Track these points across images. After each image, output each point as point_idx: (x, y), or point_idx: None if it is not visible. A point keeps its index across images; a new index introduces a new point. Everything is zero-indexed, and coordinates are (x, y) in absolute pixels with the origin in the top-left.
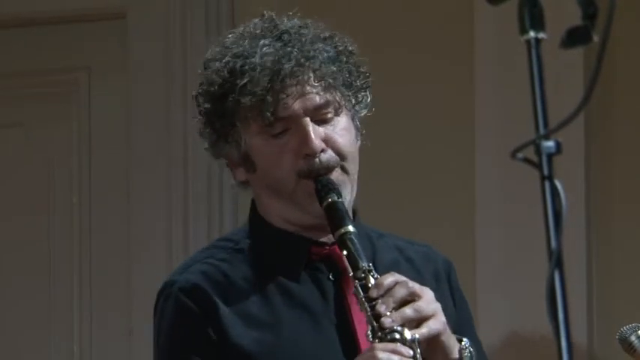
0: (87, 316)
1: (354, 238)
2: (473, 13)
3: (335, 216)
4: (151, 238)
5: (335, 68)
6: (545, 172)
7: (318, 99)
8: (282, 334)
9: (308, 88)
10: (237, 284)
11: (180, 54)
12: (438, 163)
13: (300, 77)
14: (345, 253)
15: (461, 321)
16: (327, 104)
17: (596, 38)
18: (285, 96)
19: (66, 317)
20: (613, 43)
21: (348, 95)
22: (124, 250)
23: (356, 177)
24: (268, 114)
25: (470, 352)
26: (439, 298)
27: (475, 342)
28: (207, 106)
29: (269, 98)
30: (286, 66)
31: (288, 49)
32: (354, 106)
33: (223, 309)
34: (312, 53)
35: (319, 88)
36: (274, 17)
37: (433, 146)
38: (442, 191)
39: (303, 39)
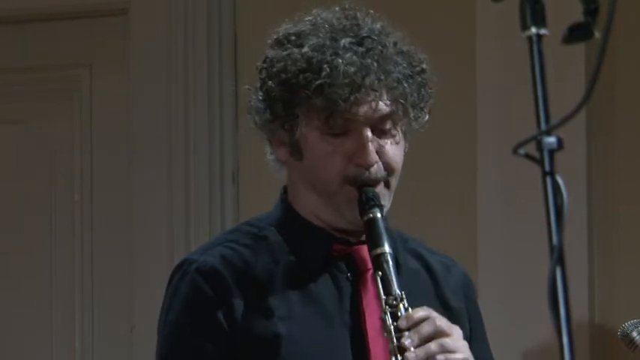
0: (88, 313)
1: (390, 260)
2: (475, 10)
3: (375, 233)
4: (152, 235)
5: (407, 89)
6: (547, 168)
7: (383, 113)
8: (293, 329)
9: (378, 101)
10: (255, 273)
11: (182, 50)
12: (440, 160)
13: (376, 92)
14: (379, 274)
15: (474, 335)
16: (390, 116)
17: (597, 34)
18: (356, 106)
19: (67, 314)
20: (614, 39)
21: (410, 113)
22: (126, 248)
23: (394, 191)
24: (336, 118)
25: None
26: (455, 307)
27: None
28: (272, 86)
29: (341, 105)
30: (366, 80)
31: (369, 60)
32: (411, 122)
33: (237, 296)
34: (390, 68)
35: (389, 101)
36: (357, 14)
37: (435, 143)
38: (444, 188)
39: (383, 50)
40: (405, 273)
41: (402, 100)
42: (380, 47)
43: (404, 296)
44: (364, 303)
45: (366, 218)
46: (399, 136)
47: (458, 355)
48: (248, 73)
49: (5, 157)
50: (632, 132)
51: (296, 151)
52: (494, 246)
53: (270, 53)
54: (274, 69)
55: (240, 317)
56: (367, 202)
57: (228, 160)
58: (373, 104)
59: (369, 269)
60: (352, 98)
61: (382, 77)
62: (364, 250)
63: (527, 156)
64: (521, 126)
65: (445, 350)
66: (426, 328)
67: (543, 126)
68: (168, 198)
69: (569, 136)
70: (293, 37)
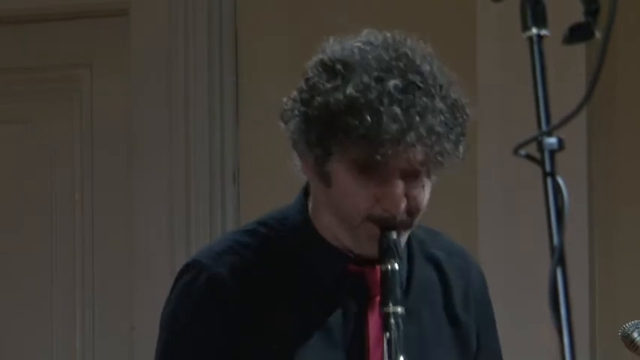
0: (89, 312)
1: (400, 321)
2: (476, 10)
3: (388, 287)
4: (153, 234)
5: (447, 145)
6: (548, 168)
7: (419, 161)
8: (295, 350)
9: (416, 155)
10: (265, 288)
11: (182, 50)
12: None
13: (414, 148)
14: (387, 336)
15: (482, 346)
16: (423, 168)
17: (598, 34)
18: (392, 159)
19: (68, 314)
20: (615, 39)
21: (446, 164)
22: (126, 247)
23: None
24: (371, 166)
25: None
26: (464, 323)
27: None
28: (311, 117)
29: (378, 158)
30: (407, 138)
31: (412, 113)
32: (441, 168)
33: (244, 314)
34: (432, 123)
35: (424, 156)
36: (407, 50)
37: None
38: (444, 189)
39: (428, 103)
40: (417, 285)
41: (438, 157)
42: (425, 99)
43: None
44: (369, 325)
45: (383, 268)
46: (429, 181)
47: None
48: (249, 73)
49: (6, 157)
50: (633, 132)
51: (324, 178)
52: (494, 247)
53: (314, 74)
54: (316, 101)
55: (245, 333)
56: (387, 250)
57: (228, 159)
58: (409, 158)
59: (378, 295)
60: (390, 152)
61: (424, 134)
62: (377, 273)
63: (528, 156)
64: (521, 126)
65: None
66: None
67: (544, 126)
68: (169, 198)
69: (569, 137)
70: (339, 66)
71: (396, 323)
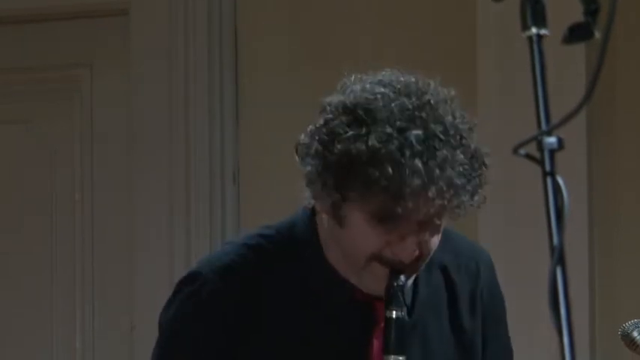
0: (89, 312)
1: None
2: (476, 11)
3: (392, 335)
4: (153, 234)
5: (464, 197)
6: (548, 168)
7: (436, 219)
8: None
9: (434, 208)
10: (269, 308)
11: (182, 50)
12: None
13: (434, 201)
14: None
15: (488, 346)
16: (440, 216)
17: (597, 34)
18: (410, 212)
19: (68, 313)
20: (615, 39)
21: (462, 214)
22: (126, 247)
23: None
24: (388, 220)
25: None
26: (469, 329)
27: None
28: (330, 161)
29: (399, 211)
30: (430, 194)
31: (432, 165)
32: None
33: (246, 332)
34: (451, 175)
35: (441, 207)
36: (430, 99)
37: None
38: None
39: (448, 155)
40: (423, 299)
41: (456, 210)
42: (445, 151)
43: None
44: (374, 354)
45: (388, 315)
46: (441, 228)
47: None
48: (249, 73)
49: (6, 157)
50: (633, 132)
51: (338, 221)
52: (494, 246)
53: (334, 116)
54: (336, 147)
55: (243, 350)
56: (393, 296)
57: (228, 159)
58: (429, 210)
59: (382, 322)
60: (410, 205)
61: (444, 188)
62: (382, 305)
63: (528, 156)
64: (521, 126)
65: None
66: None
67: (544, 126)
68: (169, 198)
69: (569, 136)
70: (361, 112)
71: None
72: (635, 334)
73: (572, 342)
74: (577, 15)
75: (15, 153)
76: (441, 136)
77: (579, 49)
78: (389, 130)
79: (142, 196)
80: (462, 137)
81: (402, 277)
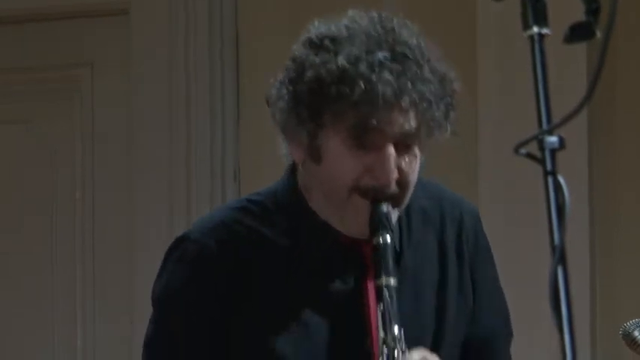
0: (90, 311)
1: (393, 294)
2: (476, 10)
3: (381, 260)
4: (153, 233)
5: (437, 112)
6: (549, 167)
7: (410, 132)
8: (289, 321)
9: (408, 122)
10: (256, 263)
11: (182, 50)
12: (441, 160)
13: (406, 113)
14: (381, 307)
15: (477, 293)
16: (415, 138)
17: (599, 34)
18: (385, 124)
19: (69, 312)
20: (616, 38)
21: (434, 135)
22: (127, 246)
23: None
24: (365, 132)
25: None
26: (459, 278)
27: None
28: (302, 91)
29: (373, 122)
30: (402, 103)
31: (403, 79)
32: (431, 140)
33: (234, 288)
34: (423, 89)
35: (416, 124)
36: (394, 26)
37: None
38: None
39: (418, 71)
40: (413, 247)
41: (430, 124)
42: (415, 67)
43: (402, 336)
44: (369, 298)
45: (375, 241)
46: (419, 153)
47: None
48: (249, 72)
49: (6, 157)
50: (633, 131)
51: (314, 154)
52: (495, 246)
53: (301, 52)
54: (306, 74)
55: (236, 309)
56: (379, 222)
57: (229, 158)
58: (403, 124)
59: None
60: (384, 117)
61: (415, 98)
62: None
63: (529, 155)
64: (522, 125)
65: None
66: None
67: (545, 125)
68: (170, 197)
69: (570, 136)
70: (327, 42)
71: (390, 295)
72: (636, 333)
73: (573, 341)
74: (578, 14)
75: (15, 153)
76: (409, 56)
77: (580, 49)
78: (357, 52)
79: (142, 196)
80: (429, 60)
81: (385, 206)
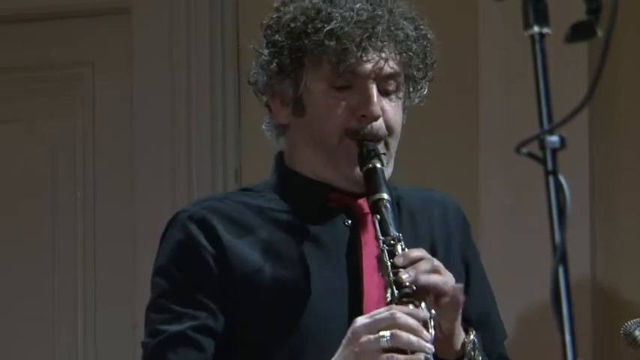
0: (91, 310)
1: (388, 205)
2: (478, 9)
3: (374, 180)
4: (154, 233)
5: (414, 47)
6: (550, 166)
7: (390, 69)
8: (288, 266)
9: (387, 55)
10: (248, 221)
11: (184, 49)
12: (442, 160)
13: (385, 42)
14: (377, 217)
15: (472, 279)
16: (395, 77)
17: (600, 33)
18: (365, 54)
19: (70, 311)
20: (617, 37)
21: (413, 79)
22: (128, 245)
23: (393, 156)
24: (345, 64)
25: (473, 347)
26: (450, 262)
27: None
28: (280, 39)
29: (353, 49)
30: (377, 29)
31: (380, 12)
32: (410, 92)
33: (228, 242)
34: (399, 25)
35: (396, 59)
36: None
37: (436, 142)
38: (445, 188)
39: (392, 9)
40: (404, 216)
41: (409, 54)
42: (389, 6)
43: (401, 238)
44: (362, 245)
45: (365, 168)
46: (400, 101)
47: (446, 298)
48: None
49: (7, 156)
50: (634, 131)
51: (299, 106)
52: (496, 246)
53: (278, 10)
54: (282, 21)
55: (233, 259)
56: (367, 153)
57: (230, 157)
58: (382, 55)
59: (367, 213)
60: (363, 45)
61: (392, 28)
62: (362, 200)
63: (530, 155)
64: (523, 125)
65: (438, 286)
66: (423, 266)
67: (546, 125)
68: (171, 196)
69: (571, 135)
70: None
71: (385, 206)
72: (636, 333)
73: (573, 341)
74: (579, 14)
75: (16, 151)
76: (382, 1)
77: (581, 48)
78: None
79: (143, 194)
80: (401, 7)
81: (373, 144)
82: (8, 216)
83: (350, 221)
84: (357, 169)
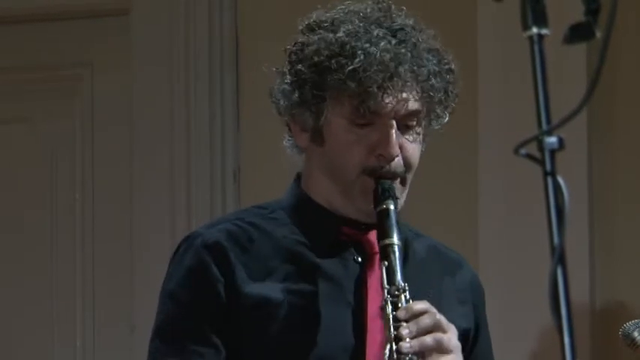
0: (89, 312)
1: (397, 251)
2: (476, 10)
3: (386, 224)
4: (153, 234)
5: (436, 84)
6: (548, 168)
7: (411, 107)
8: (295, 299)
9: (408, 94)
10: (260, 248)
11: (183, 50)
12: (441, 160)
13: (407, 83)
14: (385, 264)
15: (479, 341)
16: (416, 114)
17: (598, 34)
18: (387, 95)
19: (68, 313)
20: (615, 39)
21: (434, 112)
22: (127, 247)
23: (408, 188)
24: (366, 106)
25: None
26: (459, 313)
27: None
28: (302, 69)
29: (375, 91)
30: (400, 69)
31: (403, 50)
32: (431, 121)
33: (239, 270)
34: (423, 62)
35: (417, 97)
36: (391, 7)
37: (436, 143)
38: (445, 189)
39: (416, 44)
40: (413, 264)
41: (430, 93)
42: (413, 40)
43: (406, 288)
44: (369, 284)
45: (379, 209)
46: (420, 136)
47: (449, 356)
48: (249, 72)
49: (7, 156)
50: (633, 132)
51: (318, 136)
52: (495, 246)
53: (301, 38)
54: (306, 52)
55: (241, 289)
56: (382, 193)
57: (229, 159)
58: (404, 95)
59: (376, 252)
60: (385, 85)
61: (415, 68)
62: (373, 235)
63: (529, 156)
64: (522, 126)
65: (440, 346)
66: (425, 321)
67: (544, 126)
68: (170, 197)
69: (570, 136)
70: (326, 24)
71: (393, 252)
72: (635, 334)
73: (572, 342)
74: (578, 15)
75: (16, 152)
76: (406, 30)
77: (580, 49)
78: (355, 28)
79: (142, 196)
80: (426, 40)
81: (389, 182)
82: (7, 217)
83: (360, 258)
84: (372, 204)
